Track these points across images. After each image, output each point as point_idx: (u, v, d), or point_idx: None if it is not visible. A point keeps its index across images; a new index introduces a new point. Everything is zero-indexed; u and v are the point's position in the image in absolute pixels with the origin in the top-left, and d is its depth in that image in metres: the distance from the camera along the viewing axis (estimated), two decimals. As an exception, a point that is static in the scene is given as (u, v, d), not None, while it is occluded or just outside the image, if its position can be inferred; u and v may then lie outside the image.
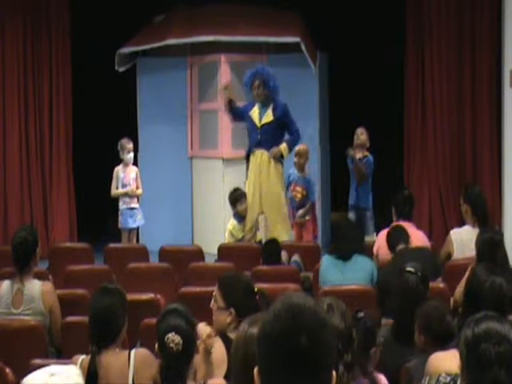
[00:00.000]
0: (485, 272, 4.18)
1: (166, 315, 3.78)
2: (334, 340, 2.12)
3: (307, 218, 8.90)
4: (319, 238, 9.42)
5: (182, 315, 3.76)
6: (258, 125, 8.69)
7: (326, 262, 6.55)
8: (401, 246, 6.44)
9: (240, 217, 8.87)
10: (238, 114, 8.94)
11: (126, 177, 9.59)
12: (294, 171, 9.00)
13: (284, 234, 8.68)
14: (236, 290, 4.27)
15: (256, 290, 4.33)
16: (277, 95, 8.76)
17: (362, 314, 3.73)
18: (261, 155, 8.72)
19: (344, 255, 6.43)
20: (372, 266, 6.48)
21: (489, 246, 5.85)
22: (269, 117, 8.68)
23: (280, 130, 8.75)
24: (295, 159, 8.91)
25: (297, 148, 8.95)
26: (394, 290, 4.95)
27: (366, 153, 9.06)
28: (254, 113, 8.73)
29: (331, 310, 3.34)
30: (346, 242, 6.49)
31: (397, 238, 6.54)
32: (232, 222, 8.94)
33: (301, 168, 8.88)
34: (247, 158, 8.96)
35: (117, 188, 9.62)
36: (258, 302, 4.26)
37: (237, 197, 8.84)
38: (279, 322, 2.07)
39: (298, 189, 8.85)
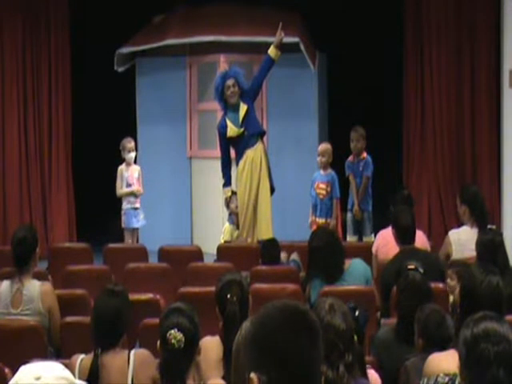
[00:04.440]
0: (481, 272, 4.18)
1: (170, 313, 3.78)
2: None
3: (329, 220, 8.79)
4: None
5: (186, 314, 3.76)
6: (240, 130, 8.72)
7: (316, 286, 6.23)
8: (406, 246, 6.40)
9: (232, 218, 8.96)
10: (229, 153, 8.96)
11: (130, 176, 9.58)
12: (317, 172, 8.99)
13: (269, 232, 8.66)
14: None
15: None
16: (245, 89, 8.81)
17: (357, 312, 3.73)
18: (254, 152, 8.76)
19: (329, 281, 6.15)
20: (364, 269, 6.30)
21: (489, 247, 5.85)
22: (243, 109, 8.72)
23: (252, 100, 8.80)
24: (318, 158, 8.92)
25: (319, 147, 9.01)
26: (401, 287, 4.94)
27: (364, 155, 9.04)
28: (231, 130, 8.73)
29: (332, 310, 3.34)
30: (331, 270, 6.18)
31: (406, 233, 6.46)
32: (226, 224, 9.06)
33: (323, 166, 8.88)
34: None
35: (121, 187, 9.61)
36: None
37: (228, 197, 8.95)
38: (280, 307, 2.09)
39: (322, 186, 8.81)
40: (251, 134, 8.75)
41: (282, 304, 2.09)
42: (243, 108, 8.70)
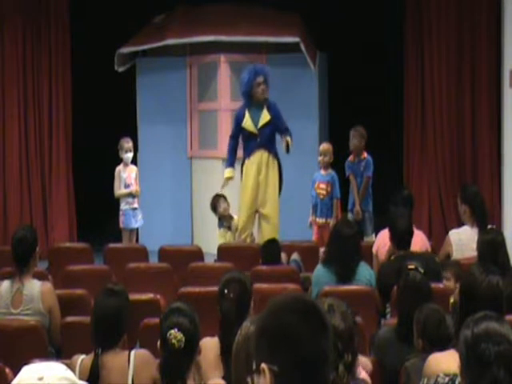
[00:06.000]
0: (481, 271, 4.18)
1: (170, 313, 3.78)
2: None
3: (329, 220, 8.78)
4: None
5: (186, 314, 3.76)
6: (256, 131, 8.67)
7: (321, 272, 6.24)
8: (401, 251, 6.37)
9: (222, 222, 8.92)
10: (238, 141, 8.91)
11: (128, 177, 9.56)
12: (317, 172, 8.99)
13: (273, 234, 8.63)
14: None
15: None
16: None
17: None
18: (261, 155, 8.73)
19: (342, 278, 6.13)
20: (369, 273, 6.26)
21: (490, 246, 5.84)
22: (266, 117, 8.66)
23: (275, 128, 8.75)
24: (319, 158, 8.91)
25: (321, 147, 8.99)
26: (401, 287, 4.94)
27: (364, 155, 9.04)
28: (247, 122, 8.68)
29: (332, 310, 3.35)
30: (348, 263, 6.14)
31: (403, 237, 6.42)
32: (218, 231, 9.01)
33: (325, 166, 8.87)
34: (242, 166, 8.92)
35: (119, 188, 9.59)
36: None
37: (215, 201, 8.91)
38: (292, 298, 2.09)
39: (323, 186, 8.81)
40: (262, 144, 8.70)
41: (293, 296, 2.10)
42: (266, 115, 8.64)
